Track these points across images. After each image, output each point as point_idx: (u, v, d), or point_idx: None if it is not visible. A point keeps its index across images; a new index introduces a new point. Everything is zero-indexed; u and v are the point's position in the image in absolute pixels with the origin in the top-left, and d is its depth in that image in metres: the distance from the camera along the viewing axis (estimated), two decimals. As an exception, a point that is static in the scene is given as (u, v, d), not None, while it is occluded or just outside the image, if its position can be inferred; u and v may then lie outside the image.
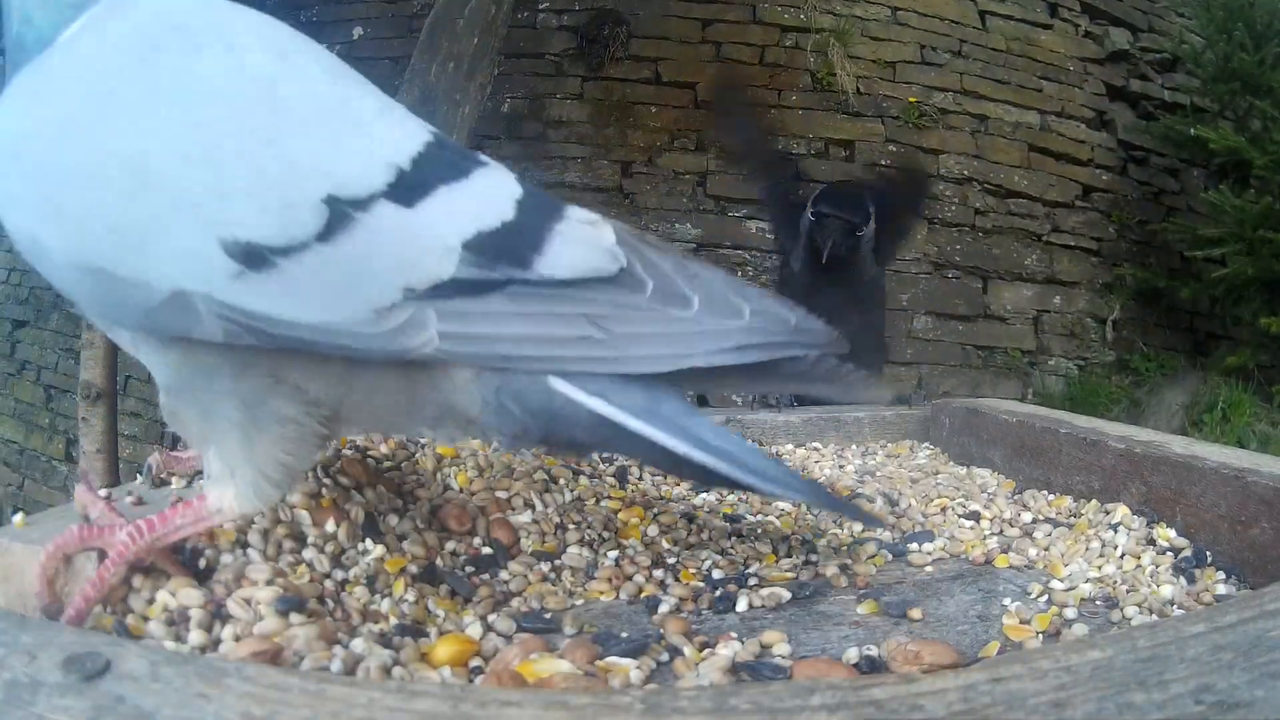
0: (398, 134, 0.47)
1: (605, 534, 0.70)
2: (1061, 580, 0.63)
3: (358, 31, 3.40)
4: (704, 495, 0.84)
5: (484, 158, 0.50)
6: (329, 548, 0.56)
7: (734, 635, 0.53)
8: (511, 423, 0.48)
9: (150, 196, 0.40)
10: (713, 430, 0.50)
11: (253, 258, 0.41)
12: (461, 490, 0.71)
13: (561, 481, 0.76)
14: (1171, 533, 0.68)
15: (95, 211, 0.41)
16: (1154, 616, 0.56)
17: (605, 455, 0.91)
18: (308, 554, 0.55)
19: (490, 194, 0.47)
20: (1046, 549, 0.70)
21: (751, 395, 1.28)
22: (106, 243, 0.41)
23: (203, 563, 0.52)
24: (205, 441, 0.48)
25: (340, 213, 0.42)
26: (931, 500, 0.83)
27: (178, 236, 0.40)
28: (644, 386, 0.48)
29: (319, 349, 0.44)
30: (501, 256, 0.45)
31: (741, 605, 0.59)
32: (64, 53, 0.43)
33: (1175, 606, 0.57)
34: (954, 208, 3.29)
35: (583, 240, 0.47)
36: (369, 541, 0.58)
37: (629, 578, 0.62)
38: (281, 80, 0.45)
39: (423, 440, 0.78)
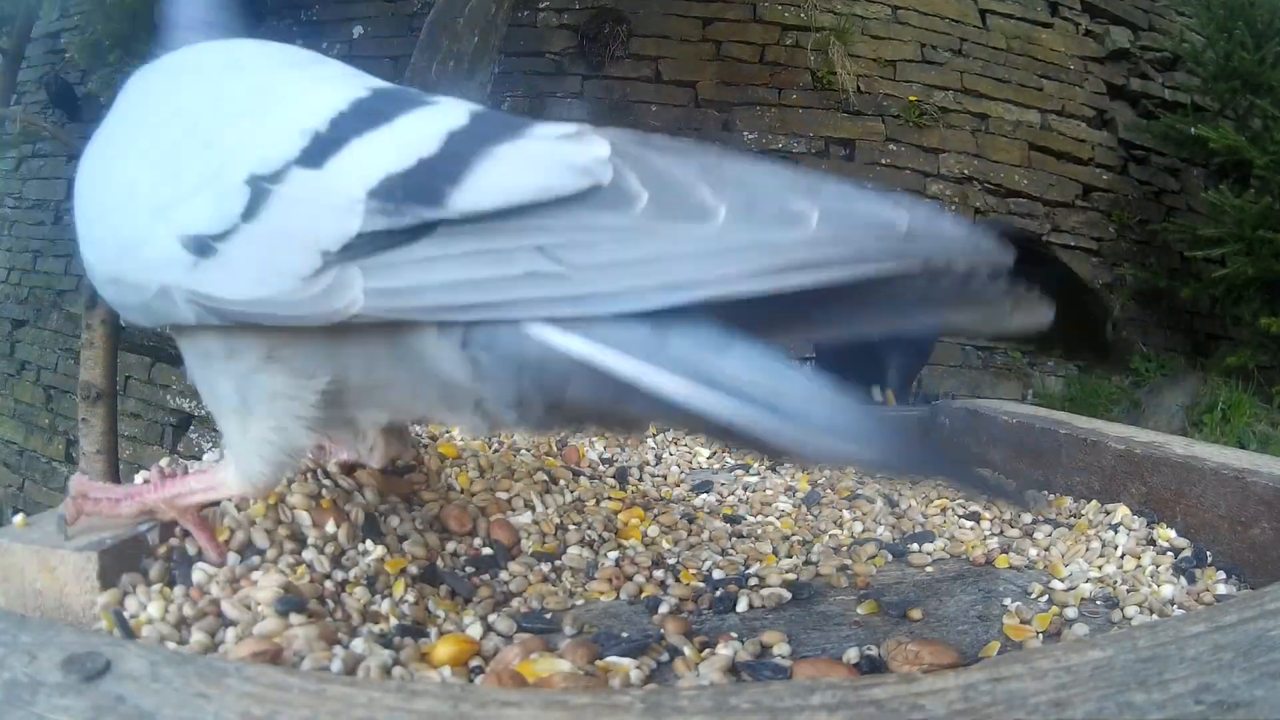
0: (323, 99, 0.44)
1: (605, 534, 0.70)
2: (1062, 580, 0.63)
3: (358, 31, 3.40)
4: (704, 495, 0.84)
5: (433, 98, 0.46)
6: (329, 548, 0.56)
7: (734, 635, 0.53)
8: (503, 390, 0.42)
9: (137, 213, 0.46)
10: (752, 367, 0.38)
11: (202, 247, 0.43)
12: (463, 491, 0.71)
13: (562, 482, 0.76)
14: (1171, 533, 0.68)
15: (109, 234, 0.48)
16: (1154, 616, 0.56)
17: (605, 457, 0.91)
18: (308, 554, 0.55)
19: (412, 133, 0.42)
20: (1047, 549, 0.70)
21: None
22: (118, 257, 0.48)
23: (204, 563, 0.52)
24: (216, 419, 0.50)
25: (259, 189, 0.42)
26: (931, 501, 0.83)
27: (156, 242, 0.45)
28: (654, 320, 0.38)
29: (264, 321, 0.44)
30: (410, 198, 0.40)
31: (741, 605, 0.59)
32: (117, 107, 0.52)
33: (1175, 606, 0.57)
34: (954, 207, 3.28)
35: (533, 159, 0.41)
36: (369, 542, 0.58)
37: (629, 578, 0.62)
38: (227, 89, 0.49)
39: (424, 440, 0.78)
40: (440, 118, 0.43)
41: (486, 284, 0.39)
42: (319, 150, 0.42)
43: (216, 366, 0.48)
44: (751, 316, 0.38)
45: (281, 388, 0.46)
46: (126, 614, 0.47)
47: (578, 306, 0.39)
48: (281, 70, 0.51)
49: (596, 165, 0.39)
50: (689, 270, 0.38)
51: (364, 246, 0.40)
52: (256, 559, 0.53)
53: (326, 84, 0.47)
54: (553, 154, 0.40)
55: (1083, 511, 0.77)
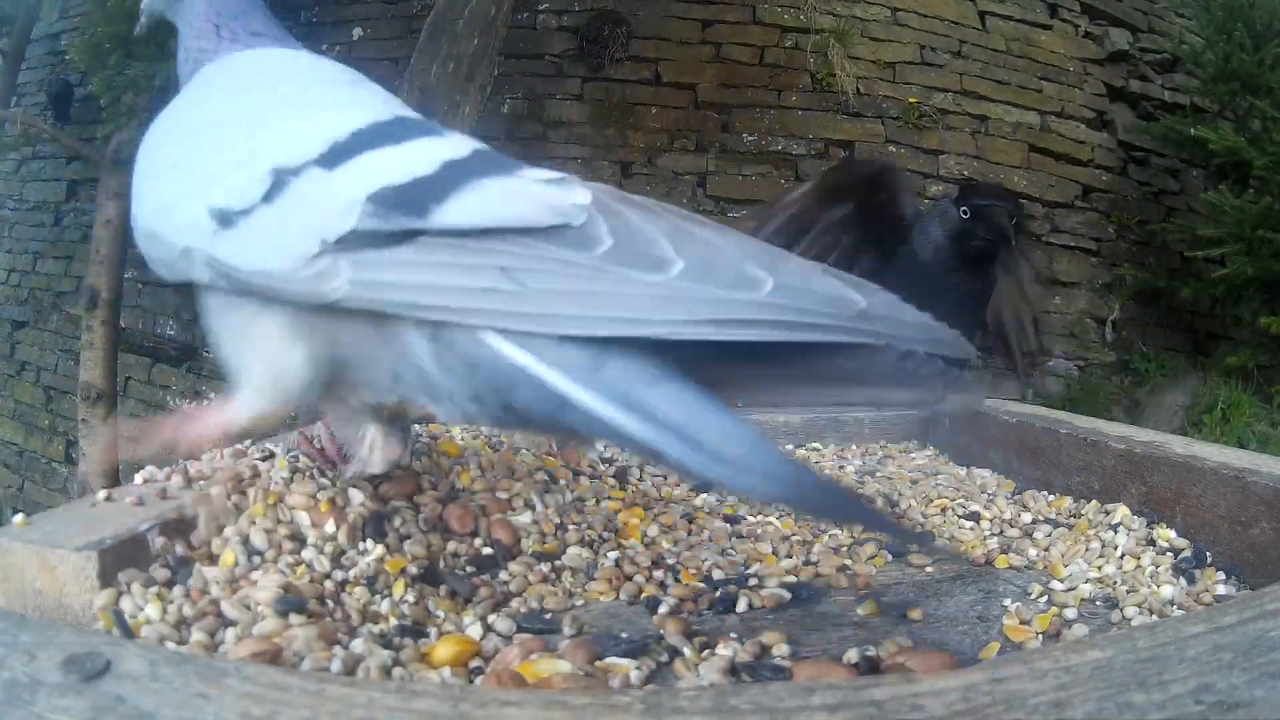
0: (351, 115, 0.51)
1: (605, 534, 0.70)
2: (1061, 581, 0.63)
3: (357, 32, 3.40)
4: (704, 495, 0.84)
5: (447, 131, 0.52)
6: (329, 548, 0.56)
7: (734, 636, 0.52)
8: (463, 385, 0.47)
9: (177, 182, 0.54)
10: (674, 401, 0.42)
11: (224, 219, 0.49)
12: (464, 490, 0.71)
13: (562, 482, 0.76)
14: (1171, 533, 0.68)
15: (153, 195, 0.56)
16: (1154, 617, 0.56)
17: (605, 456, 0.91)
18: (307, 554, 0.55)
19: (414, 155, 0.48)
20: (1046, 549, 0.70)
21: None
22: (155, 215, 0.55)
23: (204, 562, 0.52)
24: (225, 363, 0.56)
25: (280, 179, 0.48)
26: (931, 501, 0.83)
27: (187, 208, 0.51)
28: (596, 348, 0.43)
29: (263, 291, 0.49)
30: (400, 207, 0.45)
31: (741, 605, 0.59)
32: (174, 101, 0.61)
33: (1175, 607, 0.57)
34: (954, 208, 3.29)
35: (512, 192, 0.46)
36: (369, 542, 0.58)
37: (629, 578, 0.62)
38: (275, 90, 0.59)
39: (424, 439, 0.78)
40: (443, 148, 0.49)
41: (452, 290, 0.44)
42: (335, 155, 0.48)
43: (229, 319, 0.54)
44: (705, 367, 0.43)
45: (273, 330, 0.51)
46: (125, 614, 0.47)
47: (526, 323, 0.43)
48: (325, 84, 0.59)
49: (571, 208, 0.44)
50: (634, 309, 0.42)
51: (355, 242, 0.46)
52: (256, 559, 0.53)
53: (359, 106, 0.54)
54: (531, 191, 0.46)
55: (1082, 511, 0.77)
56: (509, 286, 0.43)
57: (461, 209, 0.45)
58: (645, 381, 0.42)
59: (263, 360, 0.53)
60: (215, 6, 0.66)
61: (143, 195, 0.56)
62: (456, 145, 0.49)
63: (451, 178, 0.46)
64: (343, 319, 0.49)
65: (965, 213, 1.32)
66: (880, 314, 0.42)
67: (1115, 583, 0.62)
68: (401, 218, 0.45)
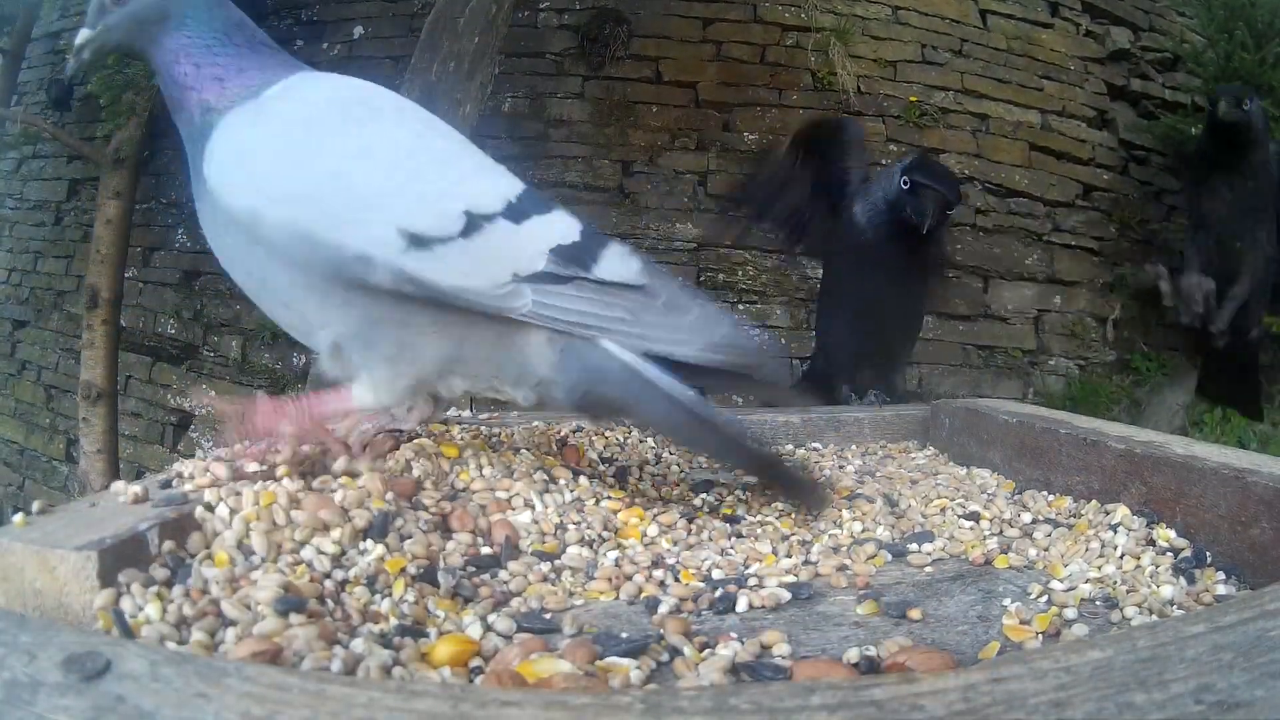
0: (507, 181, 0.71)
1: (605, 534, 0.70)
2: (1061, 581, 0.63)
3: (358, 31, 3.40)
4: (704, 495, 0.84)
5: (551, 203, 0.72)
6: (329, 548, 0.56)
7: (734, 635, 0.53)
8: (569, 376, 0.69)
9: (350, 196, 0.65)
10: (694, 396, 0.71)
11: (417, 241, 0.64)
12: (464, 490, 0.71)
13: (562, 482, 0.76)
14: (1171, 533, 0.68)
15: (308, 200, 0.64)
16: (1154, 617, 0.56)
17: (605, 456, 0.92)
18: (307, 554, 0.55)
19: (564, 224, 0.70)
20: (1046, 549, 0.70)
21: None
22: (316, 220, 0.64)
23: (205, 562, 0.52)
24: (359, 367, 0.69)
25: (474, 221, 0.66)
26: (931, 501, 0.83)
27: (368, 223, 0.64)
28: (660, 362, 0.70)
29: (453, 301, 0.66)
30: (572, 262, 0.68)
31: (741, 605, 0.59)
32: (266, 110, 0.67)
33: (1175, 607, 0.57)
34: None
35: (619, 259, 0.70)
36: (369, 541, 0.58)
37: (629, 578, 0.62)
38: (426, 136, 0.72)
39: (421, 434, 0.78)
40: (573, 220, 0.71)
41: (597, 317, 0.68)
42: (515, 214, 0.68)
43: (384, 325, 0.67)
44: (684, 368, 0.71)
45: (421, 342, 0.68)
46: (125, 614, 0.47)
47: (638, 342, 0.69)
48: (441, 132, 0.73)
49: (640, 272, 0.70)
50: (683, 337, 0.70)
51: (539, 278, 0.67)
52: (256, 559, 0.53)
53: (497, 170, 0.73)
54: (629, 261, 0.70)
55: (1082, 511, 0.77)
56: (629, 318, 0.68)
57: (604, 268, 0.68)
58: (681, 383, 0.71)
59: (394, 356, 0.68)
60: (226, 12, 0.72)
61: (287, 196, 0.65)
62: (574, 217, 0.71)
63: (590, 245, 0.69)
64: (478, 326, 0.68)
65: (906, 183, 1.29)
66: (764, 348, 0.75)
67: (1115, 583, 0.62)
68: (573, 267, 0.67)
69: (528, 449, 0.82)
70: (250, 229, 0.65)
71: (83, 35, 0.74)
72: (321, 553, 0.55)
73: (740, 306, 3.07)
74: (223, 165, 0.66)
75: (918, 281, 1.34)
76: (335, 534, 0.57)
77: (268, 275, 0.68)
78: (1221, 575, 0.62)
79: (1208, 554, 0.65)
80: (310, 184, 0.65)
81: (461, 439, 0.81)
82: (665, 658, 0.49)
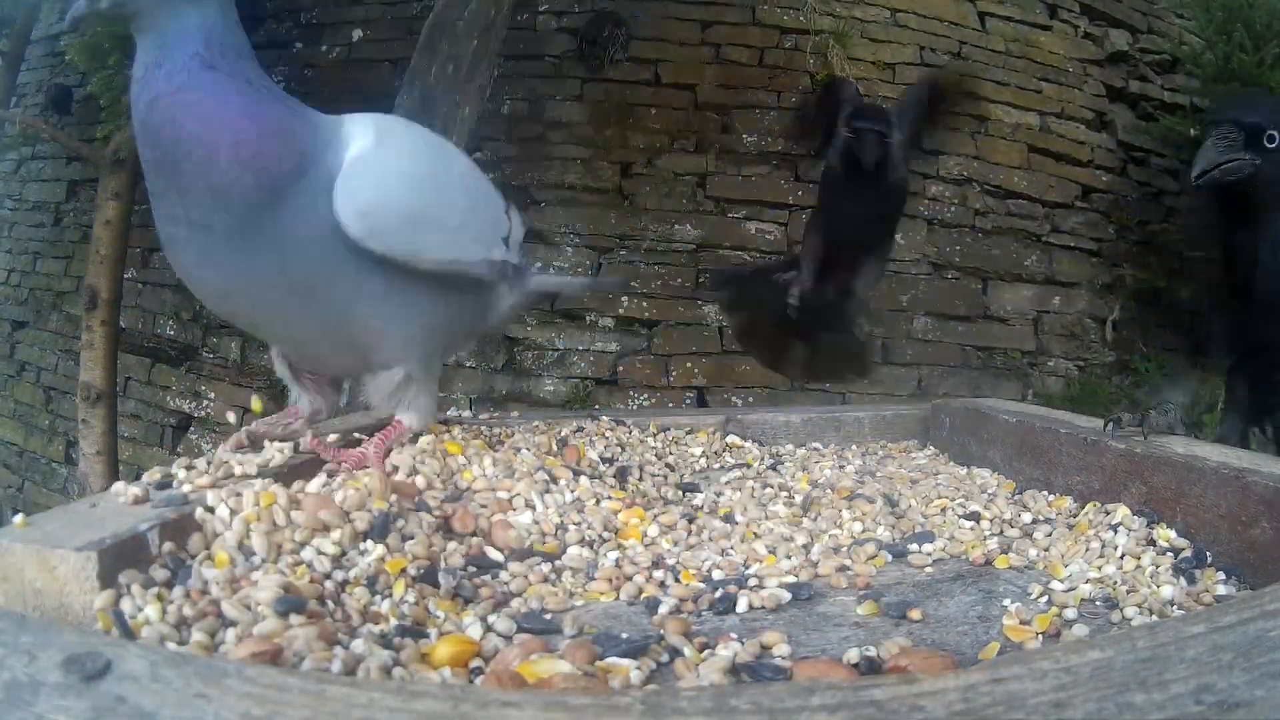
0: (511, 218, 0.93)
1: (605, 534, 0.70)
2: (1061, 581, 0.63)
3: (357, 34, 3.39)
4: (703, 495, 0.84)
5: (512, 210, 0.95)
6: (329, 548, 0.56)
7: (734, 636, 0.52)
8: (521, 300, 0.95)
9: (478, 227, 0.85)
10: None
11: (501, 244, 0.88)
12: (465, 490, 0.71)
13: (562, 482, 0.76)
14: (1171, 533, 0.68)
15: (461, 232, 0.82)
16: (1154, 617, 0.56)
17: (605, 456, 0.92)
18: (307, 554, 0.55)
19: (516, 233, 0.93)
20: (1046, 549, 0.70)
21: None
22: (462, 244, 0.81)
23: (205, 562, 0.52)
24: (417, 395, 0.80)
25: (500, 237, 0.89)
26: (932, 501, 0.83)
27: (486, 240, 0.85)
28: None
29: (506, 272, 0.89)
30: (522, 263, 0.94)
31: (741, 606, 0.59)
32: (373, 157, 0.72)
33: (1175, 607, 0.57)
34: (954, 208, 3.29)
35: (518, 245, 0.94)
36: (369, 542, 0.58)
37: (629, 578, 0.62)
38: (478, 176, 0.90)
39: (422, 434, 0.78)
40: (520, 226, 0.96)
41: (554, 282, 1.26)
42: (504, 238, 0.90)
43: (436, 320, 0.80)
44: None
45: (458, 327, 0.88)
46: (125, 614, 0.47)
47: (554, 283, 1.26)
48: (469, 173, 0.90)
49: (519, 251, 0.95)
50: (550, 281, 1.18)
51: (511, 266, 0.90)
52: (256, 559, 0.53)
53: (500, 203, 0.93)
54: (518, 244, 0.94)
55: (1083, 511, 0.77)
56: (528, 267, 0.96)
57: (516, 254, 0.93)
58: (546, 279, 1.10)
59: (438, 374, 0.83)
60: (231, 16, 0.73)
61: (448, 226, 0.80)
62: (520, 222, 0.95)
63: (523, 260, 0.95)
64: (482, 292, 0.87)
65: (849, 130, 1.50)
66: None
67: (1115, 583, 0.62)
68: (517, 257, 0.92)
69: (528, 449, 0.82)
70: (401, 265, 0.73)
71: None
72: (322, 553, 0.55)
73: (740, 307, 3.06)
74: (369, 211, 0.70)
75: (876, 205, 1.58)
76: (335, 535, 0.57)
77: (358, 315, 0.74)
78: (1222, 575, 0.62)
79: (1208, 554, 0.65)
80: (460, 220, 0.82)
81: (463, 439, 0.81)
82: (665, 658, 0.49)
